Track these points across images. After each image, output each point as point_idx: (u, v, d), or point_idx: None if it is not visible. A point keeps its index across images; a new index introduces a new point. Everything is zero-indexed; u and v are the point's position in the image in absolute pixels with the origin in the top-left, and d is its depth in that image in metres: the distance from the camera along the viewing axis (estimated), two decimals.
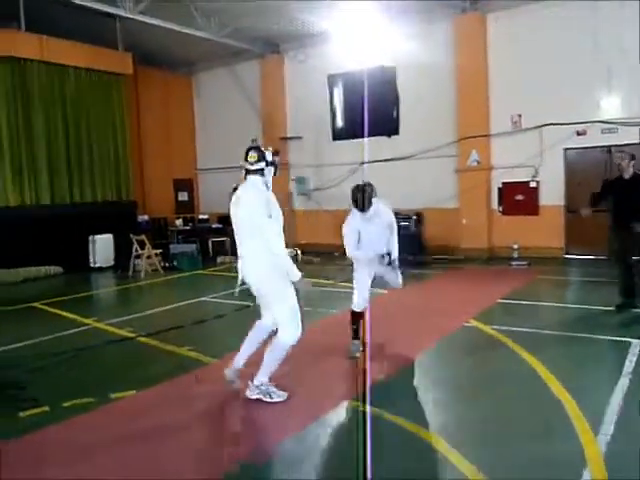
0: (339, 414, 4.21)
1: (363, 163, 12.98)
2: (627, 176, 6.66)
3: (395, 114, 13.15)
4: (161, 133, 15.85)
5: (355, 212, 5.34)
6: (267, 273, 4.15)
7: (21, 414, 4.26)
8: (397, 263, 5.58)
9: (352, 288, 5.54)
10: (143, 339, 6.45)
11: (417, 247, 11.92)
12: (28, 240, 11.57)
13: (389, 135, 13.17)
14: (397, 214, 12.17)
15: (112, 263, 12.66)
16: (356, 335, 5.54)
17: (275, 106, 14.94)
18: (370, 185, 5.34)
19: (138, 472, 3.38)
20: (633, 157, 6.68)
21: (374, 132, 12.83)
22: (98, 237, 12.54)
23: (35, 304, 8.75)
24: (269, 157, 4.30)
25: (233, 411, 4.34)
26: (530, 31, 11.24)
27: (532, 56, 11.25)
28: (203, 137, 16.88)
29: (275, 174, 4.39)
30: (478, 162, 12.00)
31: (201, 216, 15.49)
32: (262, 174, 4.25)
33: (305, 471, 3.37)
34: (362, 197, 5.27)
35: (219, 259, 13.23)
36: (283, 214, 4.29)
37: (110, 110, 13.73)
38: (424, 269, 11.04)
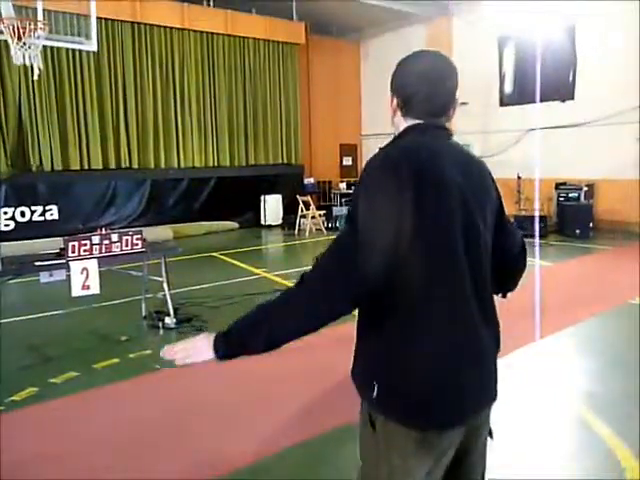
0: None
1: (532, 130, 12.41)
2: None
3: (571, 77, 12.31)
4: (329, 99, 16.45)
5: None
6: None
7: None
8: None
9: None
10: None
11: (586, 220, 11.22)
12: (209, 198, 13.03)
13: (563, 100, 12.40)
14: (564, 184, 11.74)
15: (280, 221, 13.70)
16: None
17: None
18: None
19: None
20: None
21: (547, 97, 12.11)
22: (269, 197, 13.62)
23: (215, 254, 9.90)
24: None
25: None
26: None
27: None
28: (369, 103, 17.21)
29: None
30: None
31: None
32: None
33: None
34: None
35: None
36: None
37: (284, 78, 14.65)
38: (590, 243, 10.43)
